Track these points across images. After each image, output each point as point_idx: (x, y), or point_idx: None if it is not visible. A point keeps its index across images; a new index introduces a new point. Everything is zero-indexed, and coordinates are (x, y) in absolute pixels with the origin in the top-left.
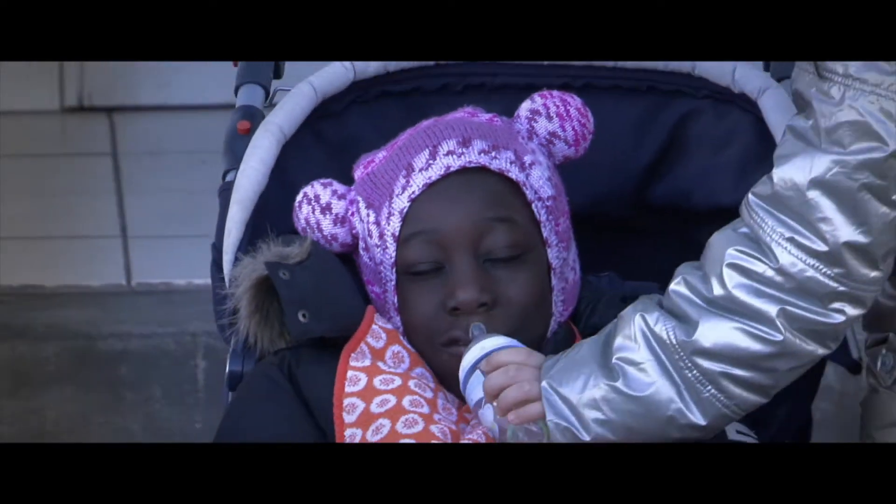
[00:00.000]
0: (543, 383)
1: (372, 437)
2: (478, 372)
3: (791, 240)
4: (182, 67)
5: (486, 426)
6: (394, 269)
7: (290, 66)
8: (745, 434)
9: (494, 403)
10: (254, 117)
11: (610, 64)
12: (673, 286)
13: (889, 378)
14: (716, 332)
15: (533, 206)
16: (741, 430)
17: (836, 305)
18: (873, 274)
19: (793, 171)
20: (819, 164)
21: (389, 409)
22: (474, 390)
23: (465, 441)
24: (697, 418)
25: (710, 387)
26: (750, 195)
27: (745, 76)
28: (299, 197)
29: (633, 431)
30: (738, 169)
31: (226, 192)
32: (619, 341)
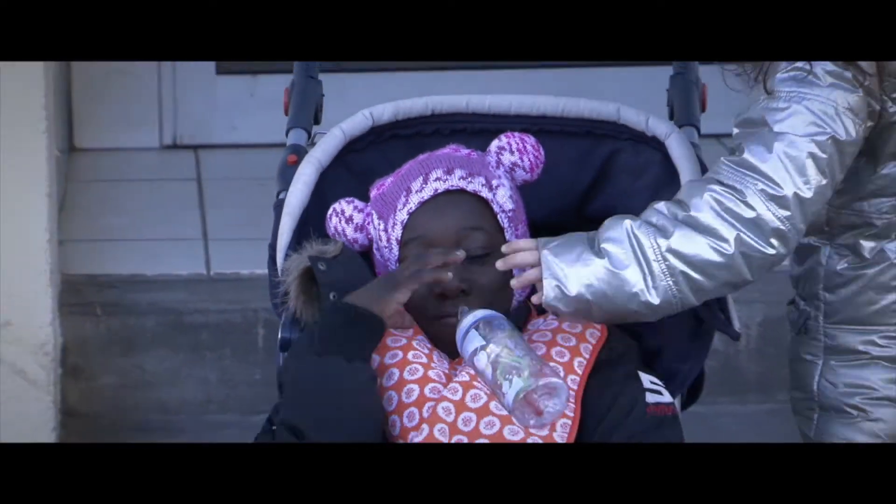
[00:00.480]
0: (543, 251)
1: (386, 383)
2: (472, 331)
3: (761, 189)
4: (247, 114)
5: (478, 370)
6: (398, 264)
7: (325, 115)
8: (657, 385)
9: (487, 351)
10: (299, 152)
11: (558, 114)
12: (655, 207)
13: (795, 328)
14: (687, 240)
15: (498, 216)
16: (654, 381)
17: (774, 241)
18: (801, 225)
19: (758, 147)
20: (779, 141)
21: (398, 361)
22: (470, 343)
23: (456, 381)
24: (653, 299)
25: (670, 279)
26: (727, 160)
27: (656, 124)
28: (330, 211)
29: (607, 296)
30: (650, 192)
31: (279, 207)
32: (607, 234)
